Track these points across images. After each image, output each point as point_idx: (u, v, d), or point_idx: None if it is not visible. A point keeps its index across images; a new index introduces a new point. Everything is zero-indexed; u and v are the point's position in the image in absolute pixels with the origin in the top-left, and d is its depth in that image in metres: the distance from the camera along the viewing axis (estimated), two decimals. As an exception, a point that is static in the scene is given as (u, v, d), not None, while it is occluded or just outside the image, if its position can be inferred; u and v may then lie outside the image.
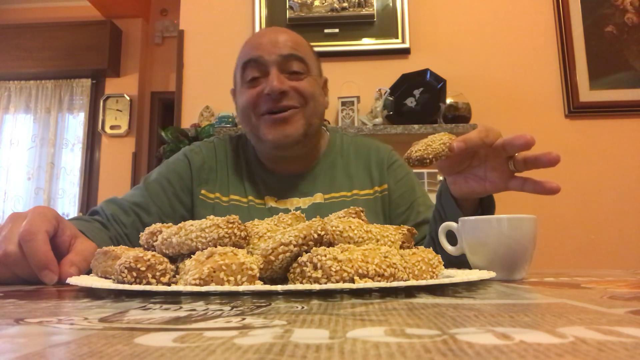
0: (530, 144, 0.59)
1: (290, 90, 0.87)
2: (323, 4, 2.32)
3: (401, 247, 0.53)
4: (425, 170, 1.68)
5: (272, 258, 0.43)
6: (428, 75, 2.13)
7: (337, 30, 2.31)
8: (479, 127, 0.64)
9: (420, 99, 2.10)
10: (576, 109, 2.20)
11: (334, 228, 0.49)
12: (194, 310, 0.32)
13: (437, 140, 0.64)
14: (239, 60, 0.93)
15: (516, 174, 0.65)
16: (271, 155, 0.94)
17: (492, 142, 0.63)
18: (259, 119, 0.88)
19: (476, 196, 0.70)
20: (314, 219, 0.47)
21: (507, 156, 0.64)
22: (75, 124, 3.82)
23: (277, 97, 0.86)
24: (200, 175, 0.94)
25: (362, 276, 0.40)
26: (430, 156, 0.63)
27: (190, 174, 0.94)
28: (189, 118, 2.33)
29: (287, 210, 0.90)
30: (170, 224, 0.56)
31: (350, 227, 0.50)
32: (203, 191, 0.93)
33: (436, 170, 1.71)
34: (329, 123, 2.21)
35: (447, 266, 0.60)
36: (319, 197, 0.93)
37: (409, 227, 0.57)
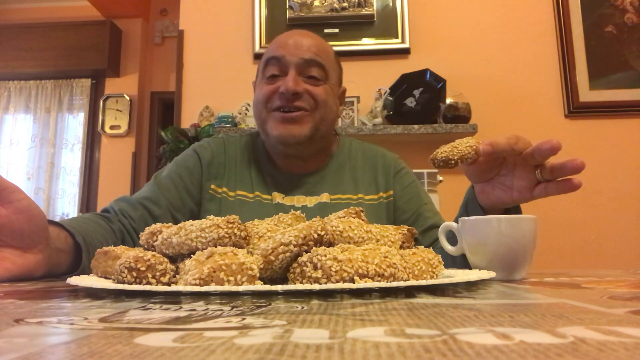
0: (556, 148, 0.59)
1: (304, 93, 0.89)
2: (323, 4, 2.32)
3: (401, 247, 0.53)
4: (425, 171, 1.68)
5: (272, 258, 0.43)
6: (428, 75, 2.13)
7: (337, 30, 2.31)
8: (508, 134, 0.64)
9: (420, 99, 2.10)
10: (576, 109, 2.20)
11: (334, 228, 0.49)
12: (194, 310, 0.32)
13: (463, 142, 0.64)
14: (264, 56, 0.95)
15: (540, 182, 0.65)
16: (276, 150, 0.96)
17: (521, 150, 0.63)
18: (269, 114, 0.91)
19: (503, 206, 0.70)
20: (314, 219, 0.47)
21: (535, 165, 0.64)
22: (75, 124, 3.82)
23: (290, 98, 0.88)
24: (210, 170, 0.96)
25: (362, 276, 0.40)
26: (456, 157, 0.62)
27: (201, 169, 0.95)
28: (188, 118, 2.33)
29: (293, 207, 0.92)
30: (170, 224, 0.56)
31: (350, 227, 0.50)
32: (212, 186, 0.95)
33: (436, 171, 1.71)
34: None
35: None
36: (325, 197, 0.94)
37: (409, 227, 0.57)
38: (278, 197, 0.94)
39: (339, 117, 1.00)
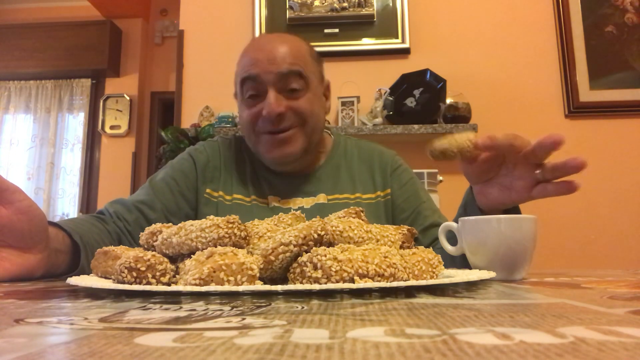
0: (558, 143, 0.58)
1: (287, 112, 0.86)
2: (323, 4, 2.32)
3: (401, 247, 0.53)
4: (425, 170, 1.68)
5: (272, 258, 0.43)
6: (428, 75, 2.13)
7: (337, 30, 2.31)
8: (506, 133, 0.63)
9: (420, 99, 2.10)
10: (576, 109, 2.20)
11: (334, 228, 0.49)
12: (194, 310, 0.32)
13: (462, 136, 0.64)
14: (238, 74, 0.91)
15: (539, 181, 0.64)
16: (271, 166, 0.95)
17: (520, 147, 0.62)
18: (258, 137, 0.89)
19: (502, 207, 0.69)
20: (314, 219, 0.47)
21: (536, 163, 0.63)
22: (75, 124, 3.82)
23: (275, 120, 0.85)
24: (205, 174, 0.94)
25: (362, 276, 0.40)
26: (454, 149, 0.62)
27: (196, 172, 0.94)
28: (189, 118, 2.33)
29: (290, 210, 0.90)
30: (170, 224, 0.56)
31: (350, 227, 0.50)
32: (208, 190, 0.93)
33: (436, 170, 1.71)
34: (329, 123, 2.21)
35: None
36: (322, 198, 0.93)
37: (409, 227, 0.57)
38: (274, 201, 0.92)
39: (328, 112, 0.98)
